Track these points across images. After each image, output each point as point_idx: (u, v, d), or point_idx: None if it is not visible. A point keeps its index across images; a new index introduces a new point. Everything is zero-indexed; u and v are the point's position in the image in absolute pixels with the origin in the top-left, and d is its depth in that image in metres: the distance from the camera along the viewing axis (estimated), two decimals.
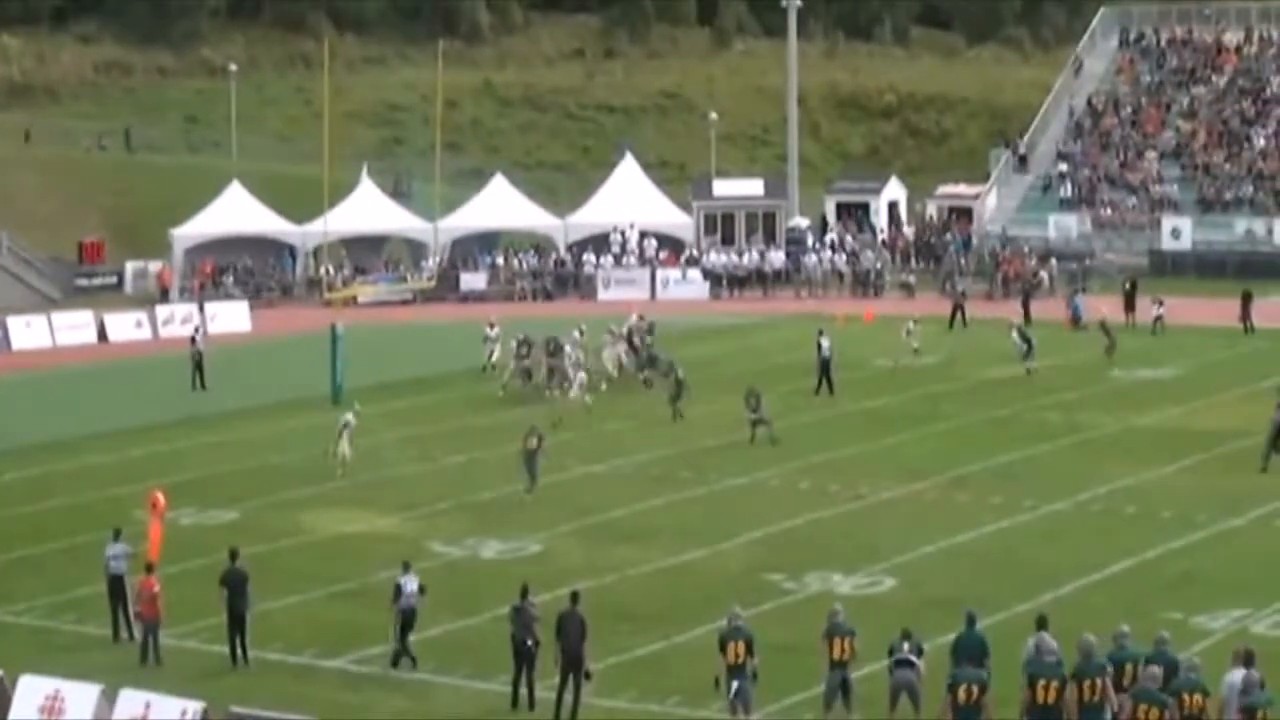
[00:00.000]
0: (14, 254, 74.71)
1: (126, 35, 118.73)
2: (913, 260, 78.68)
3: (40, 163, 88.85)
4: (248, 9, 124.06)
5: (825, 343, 49.82)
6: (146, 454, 43.22)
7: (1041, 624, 22.45)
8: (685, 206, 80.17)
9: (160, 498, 30.66)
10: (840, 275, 75.87)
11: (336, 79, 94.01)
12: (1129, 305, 62.44)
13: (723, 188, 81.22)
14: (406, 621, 26.59)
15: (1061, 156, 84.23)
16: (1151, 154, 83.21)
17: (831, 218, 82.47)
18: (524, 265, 76.46)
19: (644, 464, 41.00)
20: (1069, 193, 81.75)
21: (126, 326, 65.78)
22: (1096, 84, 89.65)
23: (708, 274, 75.63)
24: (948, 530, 34.30)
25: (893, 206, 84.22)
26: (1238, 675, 21.05)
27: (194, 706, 22.58)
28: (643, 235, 77.10)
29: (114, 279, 77.21)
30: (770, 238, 78.18)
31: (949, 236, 79.21)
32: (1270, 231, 76.94)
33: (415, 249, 77.68)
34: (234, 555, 27.53)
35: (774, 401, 44.25)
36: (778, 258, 76.56)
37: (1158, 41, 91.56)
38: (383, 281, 75.36)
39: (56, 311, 67.13)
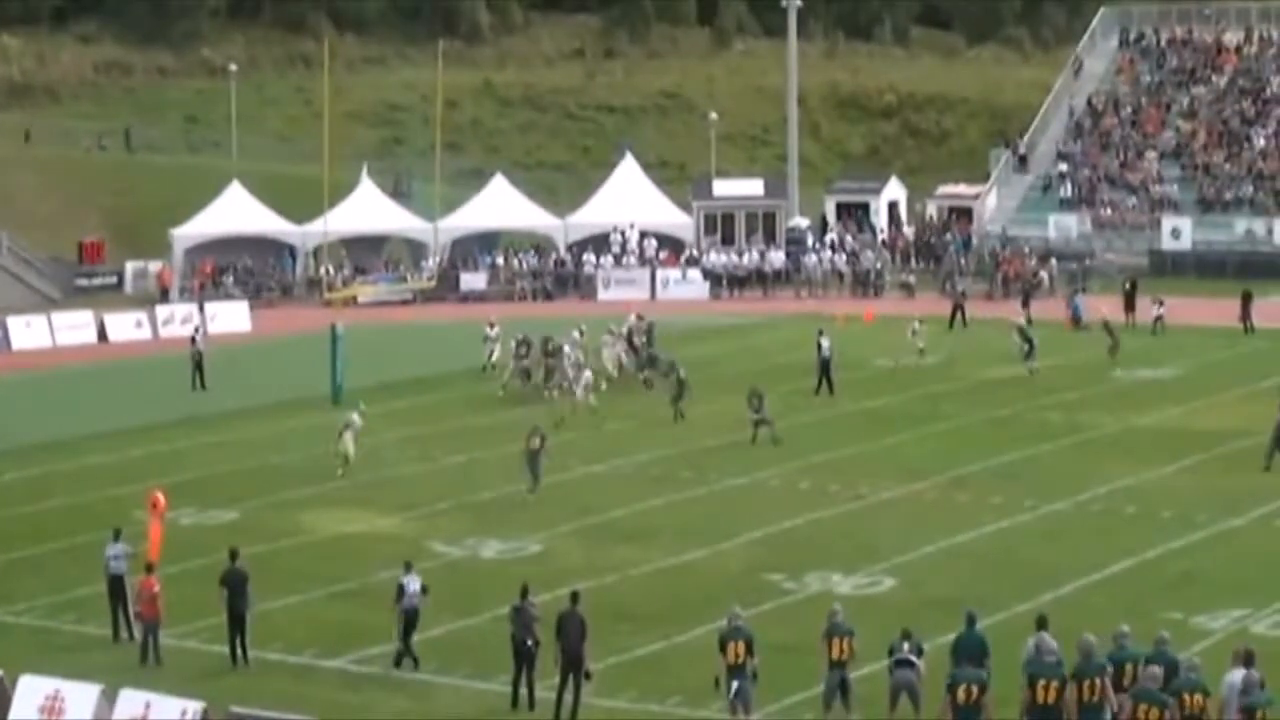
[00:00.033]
0: (14, 254, 74.72)
1: (126, 35, 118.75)
2: (913, 260, 78.68)
3: (40, 163, 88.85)
4: (248, 9, 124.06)
5: (825, 343, 49.82)
6: (146, 454, 43.23)
7: (1041, 624, 22.46)
8: (685, 206, 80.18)
9: (160, 498, 30.65)
10: (840, 275, 75.88)
11: (336, 79, 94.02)
12: (1129, 305, 62.44)
13: (723, 188, 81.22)
14: (410, 621, 26.58)
15: (1061, 156, 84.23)
16: (1151, 154, 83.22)
17: (831, 218, 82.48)
18: (524, 265, 76.46)
19: (644, 464, 41.00)
20: (1069, 193, 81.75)
21: (126, 326, 65.79)
22: (1096, 84, 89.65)
23: (708, 274, 75.63)
24: (948, 530, 34.30)
25: (893, 206, 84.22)
26: (1238, 675, 21.06)
27: (194, 706, 22.58)
28: (643, 235, 77.10)
29: (114, 279, 77.22)
30: (770, 238, 78.18)
31: (949, 236, 79.22)
32: (1270, 231, 76.95)
33: (415, 249, 77.69)
34: (234, 555, 27.53)
35: (774, 401, 44.24)
36: (778, 258, 76.56)
37: (1158, 41, 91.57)
38: (383, 281, 75.36)
39: (56, 311, 67.13)
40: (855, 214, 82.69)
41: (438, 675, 26.39)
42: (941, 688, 21.55)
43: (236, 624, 26.91)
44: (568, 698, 24.36)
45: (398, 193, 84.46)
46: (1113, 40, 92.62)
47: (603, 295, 73.40)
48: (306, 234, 75.52)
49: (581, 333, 51.47)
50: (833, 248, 77.49)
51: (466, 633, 28.25)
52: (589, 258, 76.38)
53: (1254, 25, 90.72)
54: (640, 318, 54.07)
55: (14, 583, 31.58)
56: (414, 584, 26.65)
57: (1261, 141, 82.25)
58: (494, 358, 54.00)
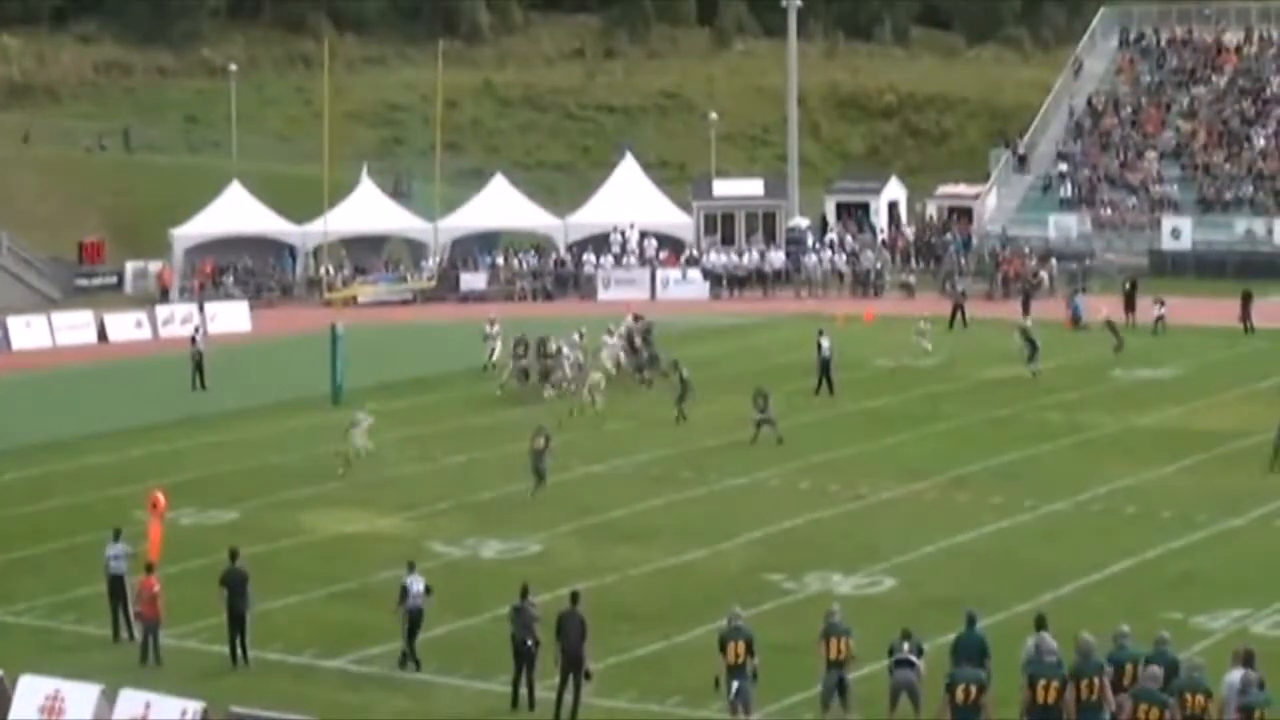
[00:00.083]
0: (14, 254, 74.71)
1: (126, 35, 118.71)
2: (913, 260, 78.67)
3: (40, 163, 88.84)
4: (248, 9, 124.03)
5: (825, 343, 49.83)
6: (146, 454, 43.23)
7: (1041, 624, 22.47)
8: (685, 206, 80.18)
9: (160, 498, 30.65)
10: (840, 275, 75.87)
11: (336, 79, 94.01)
12: (1129, 305, 62.43)
13: (723, 188, 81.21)
14: (413, 622, 26.57)
15: (1061, 156, 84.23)
16: (1151, 154, 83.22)
17: (831, 218, 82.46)
18: (524, 265, 76.46)
19: (644, 464, 41.01)
20: (1069, 193, 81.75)
21: (126, 326, 65.79)
22: (1096, 84, 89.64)
23: (708, 274, 75.63)
24: (948, 530, 34.30)
25: (893, 206, 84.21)
26: (1237, 675, 21.07)
27: (194, 706, 22.59)
28: (643, 235, 77.10)
29: (114, 279, 77.21)
30: (770, 238, 78.17)
31: (949, 236, 79.22)
32: (1270, 231, 76.94)
33: (415, 249, 77.69)
34: (234, 555, 27.54)
35: (775, 402, 44.18)
36: (778, 258, 76.56)
37: (1158, 41, 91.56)
38: (383, 281, 75.36)
39: (56, 311, 67.13)
40: (855, 214, 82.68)
41: (438, 675, 26.40)
42: (941, 688, 21.56)
43: (236, 624, 26.92)
44: (568, 698, 24.37)
45: (398, 193, 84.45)
46: (1113, 40, 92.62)
47: (603, 295, 73.40)
48: (306, 234, 75.51)
49: (581, 335, 51.52)
50: (833, 248, 77.49)
51: (466, 633, 28.25)
52: (589, 258, 76.38)
53: (1254, 25, 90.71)
54: (638, 318, 54.03)
55: (14, 583, 31.59)
56: (417, 585, 26.64)
57: (1261, 141, 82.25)
58: (494, 356, 54.05)
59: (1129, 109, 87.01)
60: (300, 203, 75.72)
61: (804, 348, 52.16)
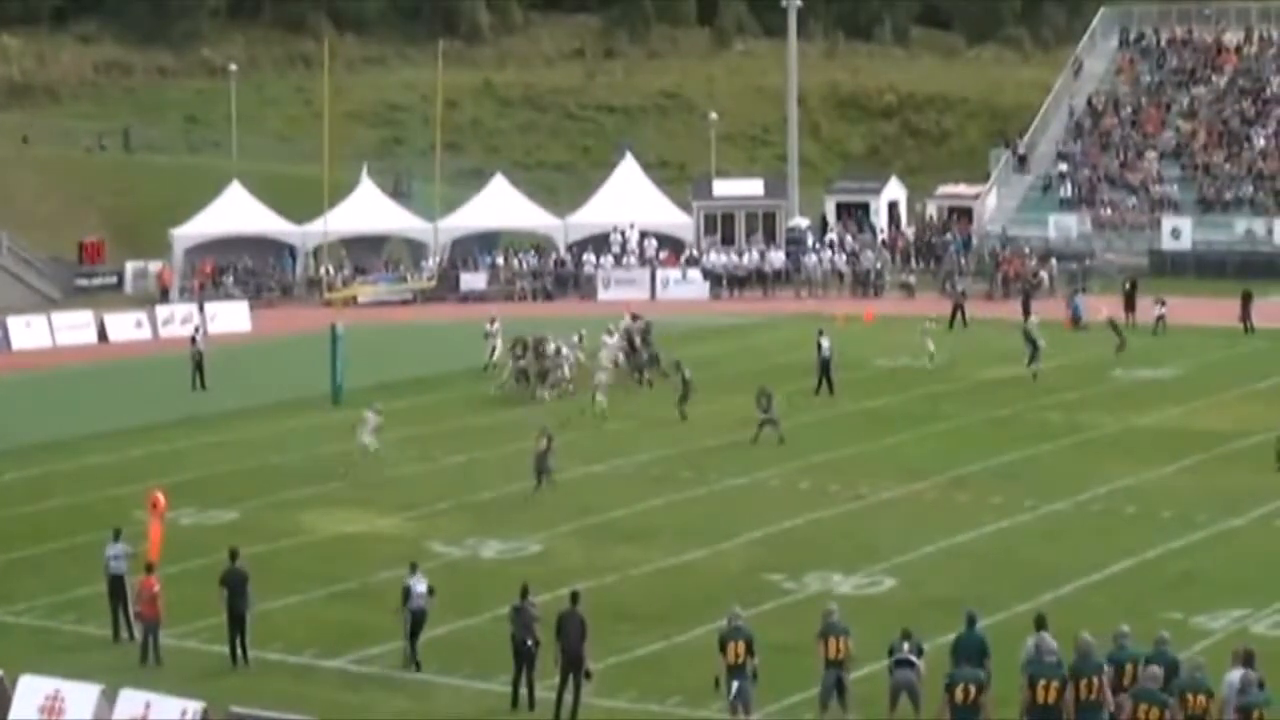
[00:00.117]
0: (14, 254, 74.72)
1: (126, 35, 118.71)
2: (913, 260, 78.65)
3: (40, 163, 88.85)
4: (248, 9, 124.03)
5: (825, 343, 49.82)
6: (146, 454, 43.23)
7: (1041, 624, 22.47)
8: (685, 206, 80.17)
9: (160, 498, 30.65)
10: (840, 275, 75.87)
11: (336, 79, 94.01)
12: (1129, 305, 62.43)
13: (723, 188, 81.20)
14: (416, 623, 26.55)
15: (1061, 156, 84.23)
16: (1151, 154, 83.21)
17: (831, 218, 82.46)
18: (524, 265, 76.46)
19: (644, 464, 41.01)
20: (1069, 193, 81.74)
21: (126, 326, 65.79)
22: (1096, 84, 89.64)
23: (708, 274, 75.62)
24: (948, 530, 34.30)
25: (893, 206, 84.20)
26: (1236, 675, 21.08)
27: (194, 706, 22.59)
28: (643, 235, 77.10)
29: (114, 279, 77.21)
30: (770, 238, 78.17)
31: (949, 236, 79.21)
32: (1270, 231, 76.94)
33: (415, 249, 77.69)
34: (234, 555, 27.54)
35: (778, 401, 44.15)
36: (778, 258, 76.55)
37: (1158, 41, 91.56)
38: (383, 281, 75.36)
39: (56, 311, 67.13)
40: (855, 214, 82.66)
41: (438, 675, 26.39)
42: (941, 688, 21.56)
43: (236, 624, 26.92)
44: (568, 698, 24.37)
45: (398, 193, 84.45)
46: (1113, 40, 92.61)
47: (603, 295, 73.39)
48: (306, 234, 75.51)
49: (581, 338, 51.53)
50: (833, 248, 77.49)
51: (466, 633, 28.25)
52: (589, 258, 76.39)
53: (1254, 25, 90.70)
54: (636, 317, 54.02)
55: (14, 583, 31.59)
56: (420, 585, 26.61)
57: (1261, 141, 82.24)
58: (495, 355, 54.08)
59: (1129, 109, 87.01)
60: (300, 203, 75.72)
61: (804, 348, 52.16)
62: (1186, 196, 79.95)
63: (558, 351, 50.07)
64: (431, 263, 75.84)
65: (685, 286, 74.58)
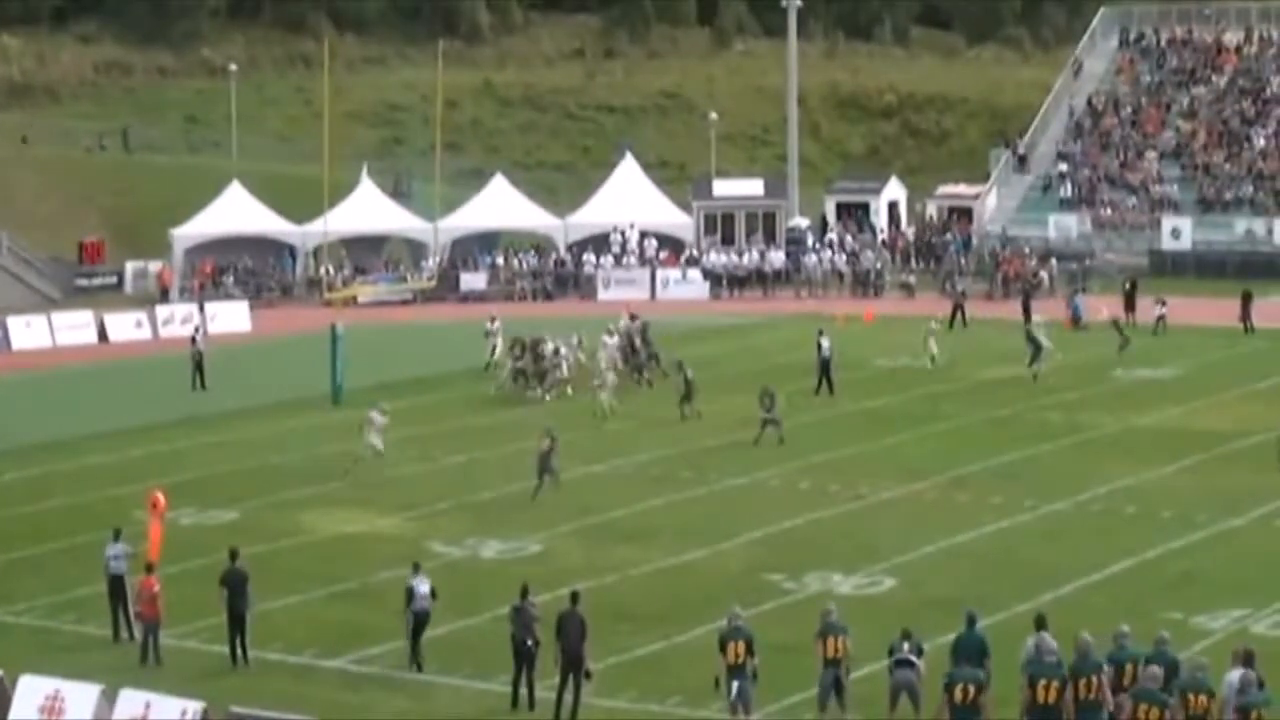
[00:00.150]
0: (14, 254, 74.72)
1: (126, 35, 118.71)
2: (913, 260, 78.66)
3: (40, 163, 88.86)
4: (248, 9, 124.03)
5: (825, 343, 49.82)
6: (146, 454, 43.23)
7: (1041, 624, 22.47)
8: (685, 206, 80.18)
9: (160, 498, 30.65)
10: (840, 275, 75.88)
11: (336, 79, 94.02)
12: (1129, 305, 62.44)
13: (723, 188, 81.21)
14: (419, 624, 26.54)
15: (1061, 156, 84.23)
16: (1151, 154, 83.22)
17: (831, 218, 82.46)
18: (524, 265, 76.48)
19: (644, 464, 41.01)
20: (1069, 193, 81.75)
21: (126, 326, 65.80)
22: (1096, 84, 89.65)
23: (708, 274, 75.63)
24: (948, 530, 34.30)
25: (893, 206, 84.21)
26: (1236, 675, 21.07)
27: (194, 706, 22.59)
28: (643, 235, 77.11)
29: (114, 279, 77.22)
30: (770, 238, 78.18)
31: (949, 236, 79.21)
32: (1270, 231, 76.94)
33: (415, 249, 77.70)
34: (234, 555, 27.53)
35: (780, 401, 44.15)
36: (778, 258, 76.56)
37: (1158, 41, 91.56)
38: (383, 281, 75.37)
39: (56, 311, 67.14)
40: (855, 214, 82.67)
41: (438, 675, 26.39)
42: (941, 688, 21.55)
43: (236, 624, 26.91)
44: (568, 698, 24.37)
45: (398, 193, 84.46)
46: (1113, 40, 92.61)
47: (603, 295, 73.38)
48: (306, 234, 75.52)
49: (580, 341, 51.53)
50: (833, 248, 77.49)
51: (466, 633, 28.24)
52: (589, 258, 76.39)
53: (1254, 25, 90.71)
54: (633, 317, 54.00)
55: (14, 583, 31.59)
56: (423, 586, 26.59)
57: (1261, 141, 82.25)
58: (496, 353, 54.10)
59: (1129, 109, 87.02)
60: (300, 203, 75.73)
61: (804, 348, 52.16)
62: (1186, 196, 79.96)
63: (556, 352, 50.07)
64: (431, 263, 75.85)
65: (685, 286, 74.59)
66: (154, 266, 75.71)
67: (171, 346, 59.39)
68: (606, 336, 51.60)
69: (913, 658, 22.89)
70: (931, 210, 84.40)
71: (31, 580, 31.77)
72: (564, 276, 76.33)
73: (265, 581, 28.36)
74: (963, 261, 75.38)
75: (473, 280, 75.03)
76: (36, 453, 43.41)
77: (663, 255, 76.67)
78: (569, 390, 49.48)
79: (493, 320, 55.59)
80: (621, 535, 34.60)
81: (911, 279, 74.64)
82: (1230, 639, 25.95)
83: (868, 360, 54.99)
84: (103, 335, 65.06)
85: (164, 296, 72.38)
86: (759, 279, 75.75)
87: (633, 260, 76.38)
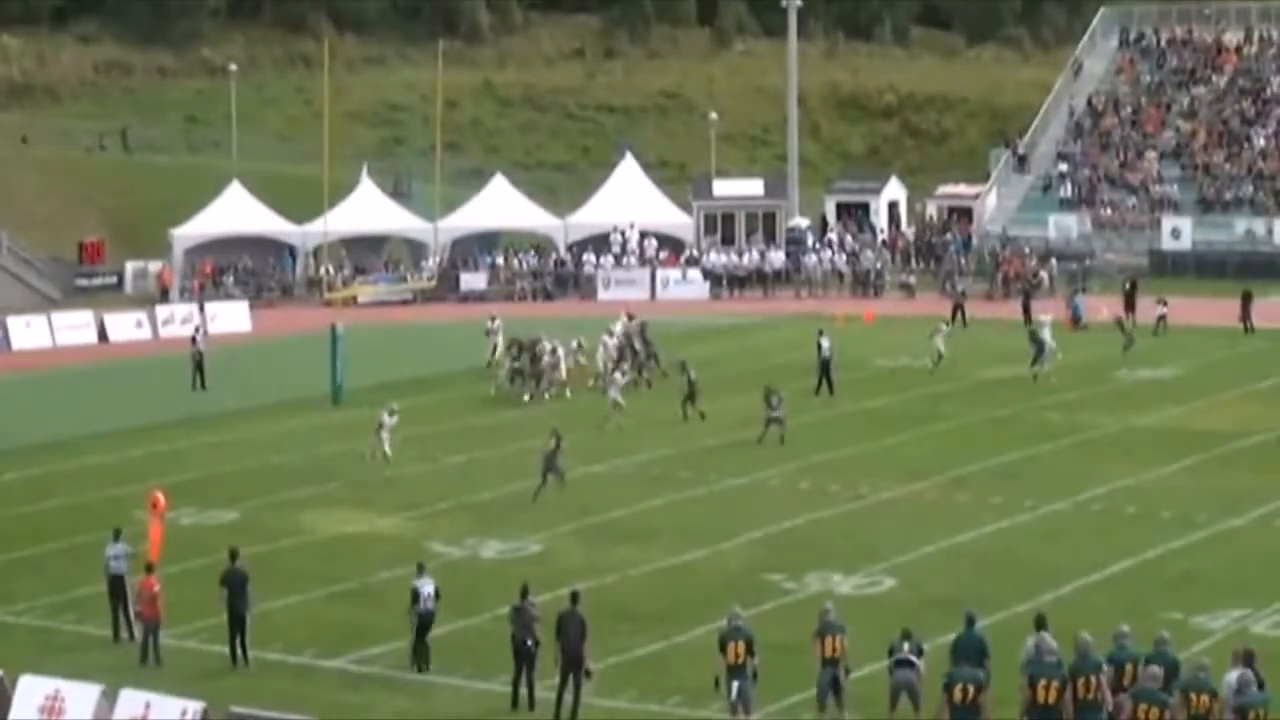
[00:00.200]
0: (14, 254, 74.73)
1: (126, 35, 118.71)
2: (913, 260, 78.65)
3: (40, 163, 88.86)
4: (248, 9, 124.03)
5: (825, 343, 49.81)
6: (146, 454, 43.23)
7: (1041, 624, 22.47)
8: (685, 206, 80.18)
9: (160, 498, 30.66)
10: (840, 275, 75.88)
11: (336, 79, 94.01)
12: (1129, 305, 62.40)
13: (723, 188, 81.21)
14: (424, 625, 26.54)
15: (1061, 156, 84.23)
16: (1151, 154, 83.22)
17: (831, 218, 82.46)
18: (524, 265, 76.48)
19: (644, 464, 41.01)
20: (1069, 193, 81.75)
21: (126, 326, 65.81)
22: (1096, 84, 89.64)
23: (708, 274, 75.63)
24: (948, 530, 34.30)
25: (893, 206, 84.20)
26: (1235, 675, 21.07)
27: (194, 706, 22.59)
28: (643, 235, 77.11)
29: (114, 279, 77.22)
30: (770, 238, 78.17)
31: (949, 236, 79.21)
32: (1270, 231, 76.94)
33: (415, 249, 77.70)
34: (234, 555, 27.53)
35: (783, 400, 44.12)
36: (778, 258, 76.56)
37: (1158, 41, 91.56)
38: (383, 281, 75.37)
39: (56, 311, 67.15)
40: (855, 214, 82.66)
41: (438, 675, 26.39)
42: (940, 688, 21.55)
43: (236, 624, 26.91)
44: (568, 698, 24.37)
45: (398, 193, 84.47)
46: (1113, 40, 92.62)
47: (603, 295, 73.37)
48: (306, 234, 75.52)
49: (580, 345, 51.50)
50: (832, 248, 77.49)
51: (466, 633, 28.24)
52: (589, 258, 76.39)
53: (1254, 25, 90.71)
54: (631, 317, 53.97)
55: (14, 583, 31.59)
56: (427, 587, 26.57)
57: (1261, 141, 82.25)
58: (496, 353, 54.11)
59: (1129, 109, 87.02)
60: (300, 203, 75.73)
61: (804, 348, 52.15)
62: (1186, 196, 79.96)
63: (553, 352, 50.05)
64: (431, 263, 75.85)
65: (685, 286, 74.59)
66: (154, 266, 75.72)
67: (171, 346, 59.39)
68: (606, 337, 51.62)
69: (913, 658, 22.88)
70: (931, 210, 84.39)
71: (31, 580, 31.77)
72: (564, 276, 76.34)
73: (265, 581, 28.36)
74: (963, 261, 75.38)
75: (473, 280, 75.03)
76: (36, 453, 43.41)
77: (663, 255, 76.67)
78: (568, 393, 49.47)
79: (493, 319, 55.63)
80: (621, 535, 34.60)
81: (911, 279, 74.64)
82: (1230, 639, 25.95)
83: (868, 360, 54.98)
84: (103, 335, 65.07)
85: (164, 296, 72.39)
86: (759, 279, 75.75)
87: (633, 260, 76.38)
